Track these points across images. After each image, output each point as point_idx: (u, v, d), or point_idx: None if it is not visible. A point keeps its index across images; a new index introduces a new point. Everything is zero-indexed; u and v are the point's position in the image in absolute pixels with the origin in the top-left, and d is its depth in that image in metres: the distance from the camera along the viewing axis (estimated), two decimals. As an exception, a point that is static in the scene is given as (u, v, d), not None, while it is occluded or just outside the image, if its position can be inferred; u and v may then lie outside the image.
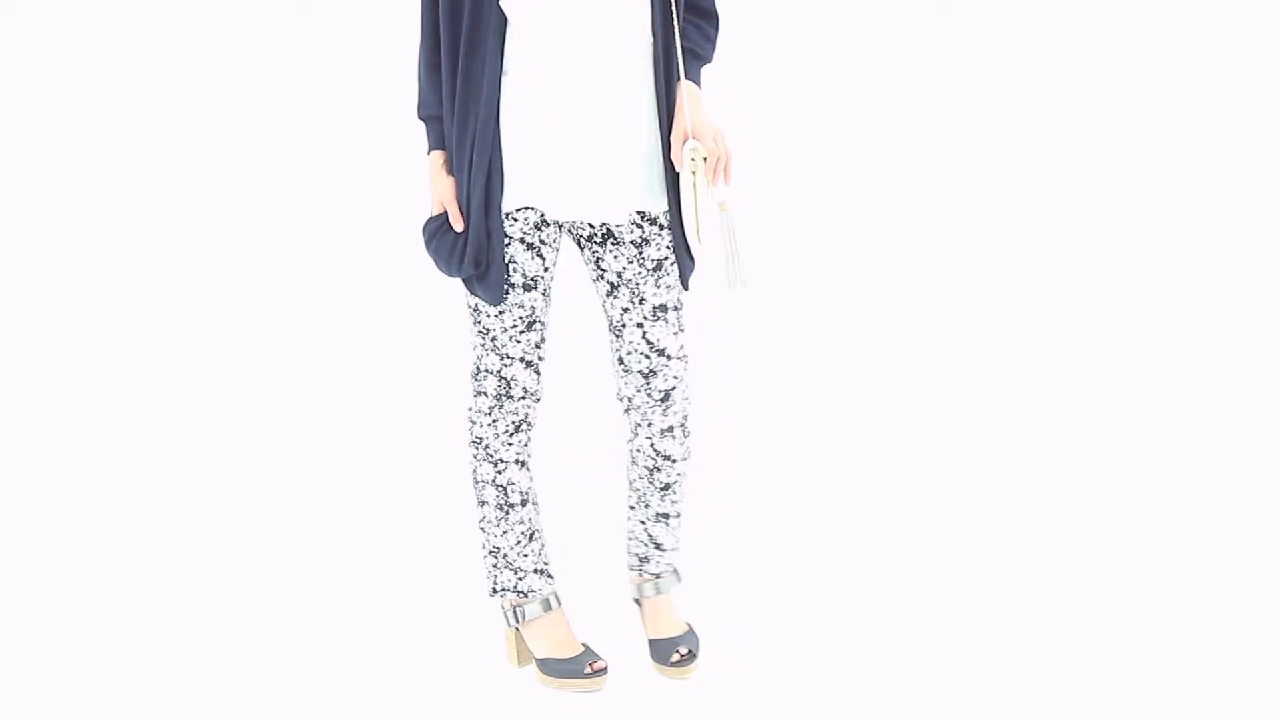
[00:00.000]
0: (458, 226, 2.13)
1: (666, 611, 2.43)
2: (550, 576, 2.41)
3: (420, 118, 2.20)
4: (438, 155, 2.17)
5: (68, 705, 2.88)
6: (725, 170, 2.08)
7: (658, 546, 2.42)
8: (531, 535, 2.37)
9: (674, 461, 2.28)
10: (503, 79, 2.08)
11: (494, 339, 2.20)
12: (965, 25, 3.66)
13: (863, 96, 3.69)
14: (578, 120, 2.06)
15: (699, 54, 2.14)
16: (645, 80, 2.10)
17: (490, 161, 2.07)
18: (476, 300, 2.18)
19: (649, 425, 2.25)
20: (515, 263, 2.14)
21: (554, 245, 2.18)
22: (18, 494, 3.54)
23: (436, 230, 2.18)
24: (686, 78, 2.10)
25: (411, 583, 3.36)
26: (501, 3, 2.05)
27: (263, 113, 3.68)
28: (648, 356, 2.19)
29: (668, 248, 2.15)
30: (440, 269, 2.18)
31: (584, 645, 2.38)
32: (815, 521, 3.51)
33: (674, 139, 2.08)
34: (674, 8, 2.08)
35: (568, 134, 2.07)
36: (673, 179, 2.12)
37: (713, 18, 2.19)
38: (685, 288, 2.19)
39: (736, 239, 2.08)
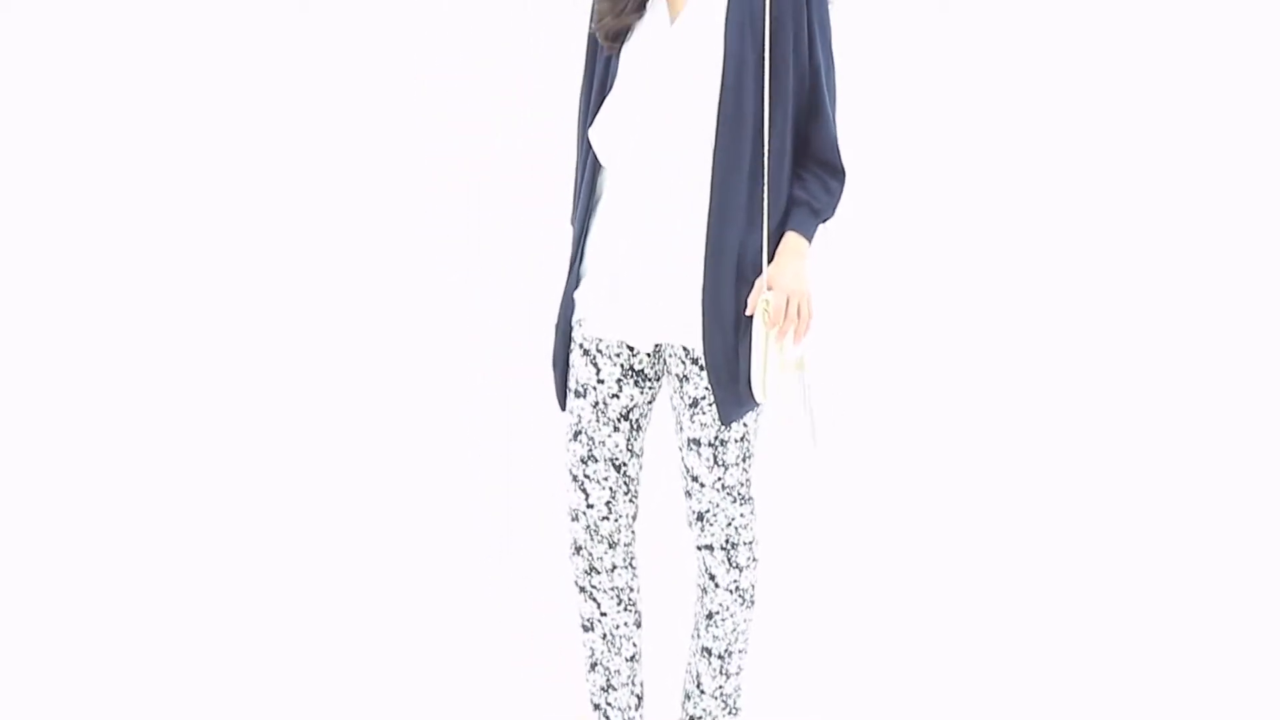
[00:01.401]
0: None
1: None
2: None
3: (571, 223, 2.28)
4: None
5: (68, 705, 2.88)
6: (796, 333, 2.05)
7: (699, 685, 2.28)
8: (598, 667, 2.28)
9: (718, 586, 2.21)
10: (599, 201, 2.15)
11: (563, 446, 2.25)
12: (965, 25, 3.65)
13: (862, 96, 3.68)
14: (634, 248, 2.09)
15: (813, 207, 2.09)
16: (703, 224, 2.08)
17: (575, 271, 2.17)
18: None
19: (695, 540, 2.23)
20: (572, 367, 2.18)
21: (613, 360, 2.16)
22: (19, 494, 3.54)
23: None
24: (795, 229, 2.07)
25: (411, 583, 3.36)
26: (590, 132, 2.12)
27: (263, 113, 3.67)
28: (684, 479, 2.20)
29: (705, 388, 2.11)
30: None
31: None
32: (814, 524, 3.50)
33: (756, 284, 2.06)
34: (764, 156, 2.05)
35: (625, 259, 2.10)
36: (746, 324, 2.10)
37: (838, 172, 2.13)
38: (725, 424, 2.13)
39: (811, 400, 2.06)
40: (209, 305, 3.65)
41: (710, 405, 2.12)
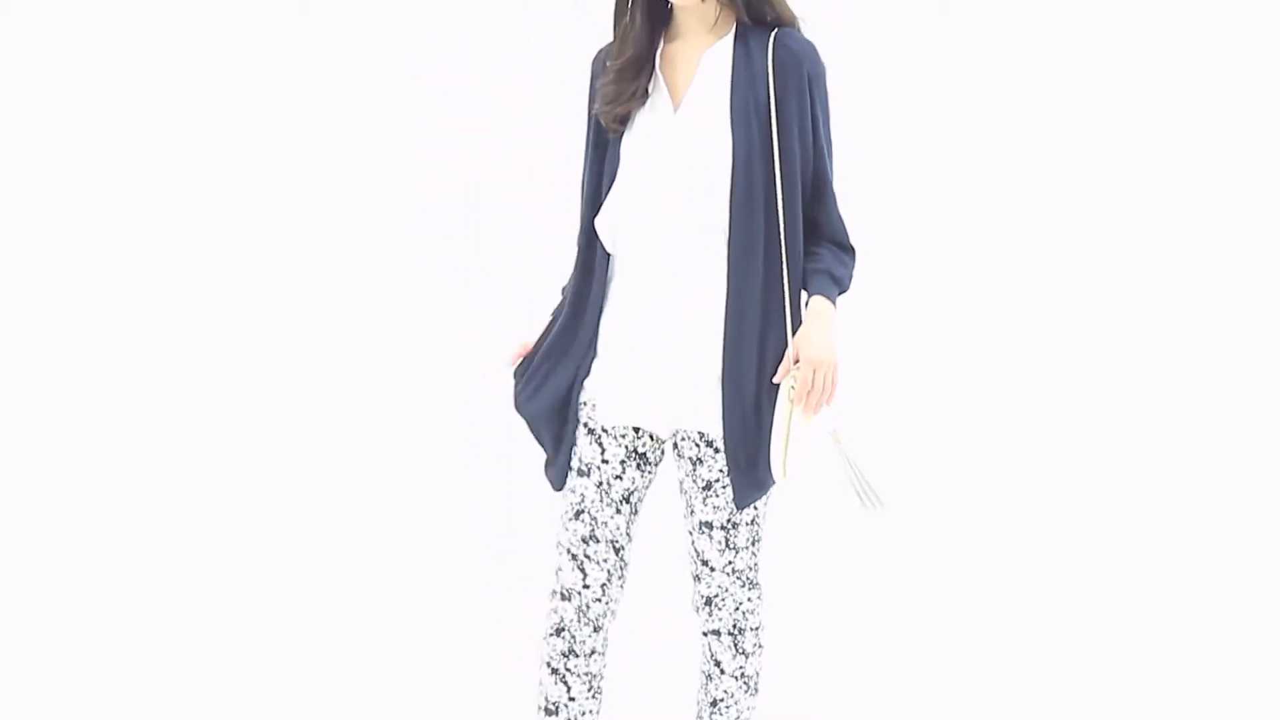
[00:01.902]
0: (514, 364, 2.19)
1: None
2: None
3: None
4: (549, 322, 2.23)
5: (68, 705, 2.86)
6: (818, 405, 2.04)
7: None
8: None
9: (724, 672, 2.18)
10: (610, 284, 2.13)
11: (559, 533, 2.19)
12: (965, 25, 3.64)
13: (862, 97, 3.67)
14: (651, 334, 2.07)
15: (834, 274, 2.08)
16: (720, 308, 2.08)
17: (586, 355, 2.14)
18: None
19: (702, 625, 2.21)
20: (575, 445, 2.14)
21: (619, 440, 2.13)
22: (21, 494, 3.53)
23: (525, 365, 2.22)
24: (819, 293, 2.07)
25: (410, 582, 3.35)
26: (597, 221, 2.11)
27: (263, 113, 3.66)
28: (693, 562, 2.18)
29: (720, 471, 2.10)
30: (516, 398, 2.21)
31: None
32: (815, 527, 3.50)
33: (786, 354, 2.05)
34: (781, 236, 2.05)
35: (642, 345, 2.09)
36: (767, 406, 2.08)
37: (849, 249, 2.14)
38: (740, 508, 2.12)
39: (857, 468, 2.03)
40: (209, 305, 3.64)
41: (725, 488, 2.10)
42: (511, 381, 2.22)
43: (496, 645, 3.18)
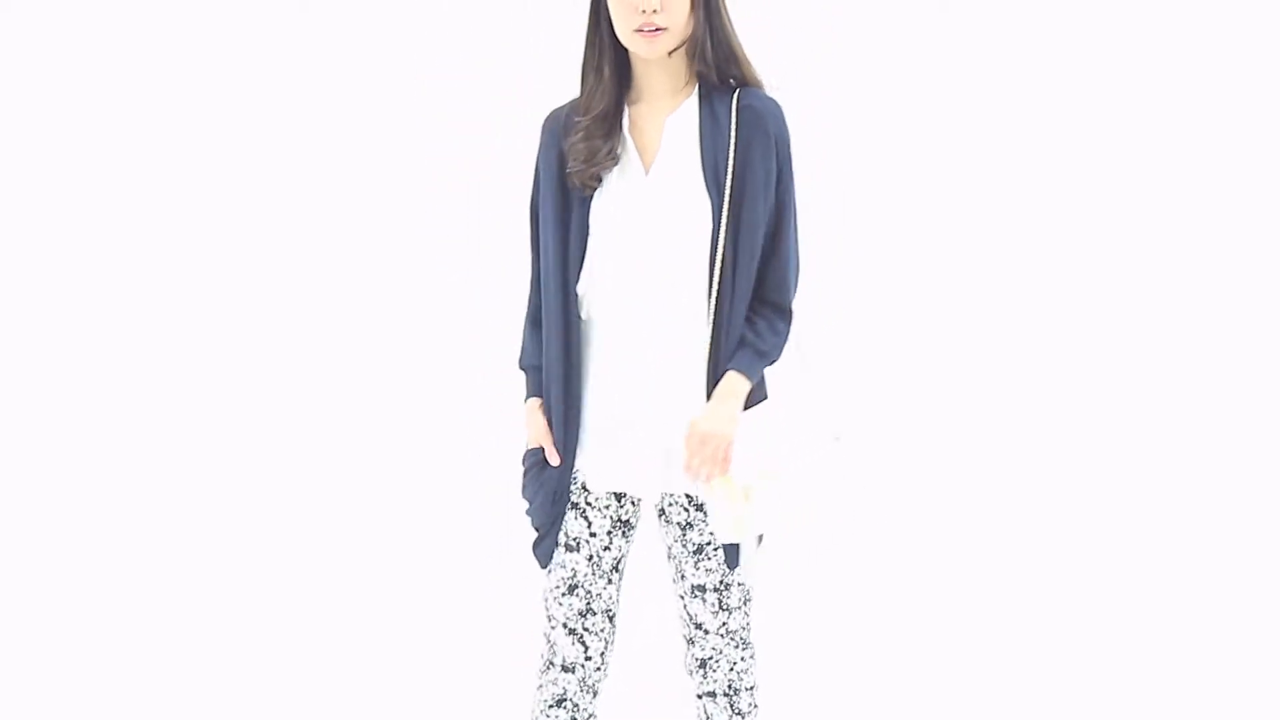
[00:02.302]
0: (554, 461, 2.13)
1: None
2: None
3: (521, 367, 2.23)
4: (534, 402, 2.18)
5: (67, 705, 2.88)
6: (708, 474, 2.03)
7: None
8: None
9: None
10: (589, 354, 2.13)
11: (545, 599, 2.20)
12: (965, 25, 3.64)
13: (860, 97, 3.68)
14: (635, 400, 2.08)
15: (759, 349, 2.08)
16: (700, 368, 2.08)
17: (574, 432, 2.12)
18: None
19: (696, 688, 2.23)
20: (562, 522, 2.16)
21: (604, 512, 2.16)
22: (19, 495, 3.54)
23: (531, 466, 2.20)
24: (737, 369, 2.06)
25: (410, 583, 3.36)
26: (579, 287, 2.09)
27: (263, 113, 3.67)
28: (686, 626, 2.20)
29: (711, 533, 2.12)
30: (530, 507, 2.19)
31: None
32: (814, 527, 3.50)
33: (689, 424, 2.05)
34: (722, 300, 2.05)
35: (626, 412, 2.09)
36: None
37: (785, 314, 2.14)
38: (731, 569, 2.15)
39: (751, 531, 2.04)
40: (208, 305, 3.65)
41: (716, 550, 2.13)
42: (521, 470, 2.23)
43: (494, 646, 3.19)
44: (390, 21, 3.63)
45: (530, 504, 2.19)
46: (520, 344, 2.25)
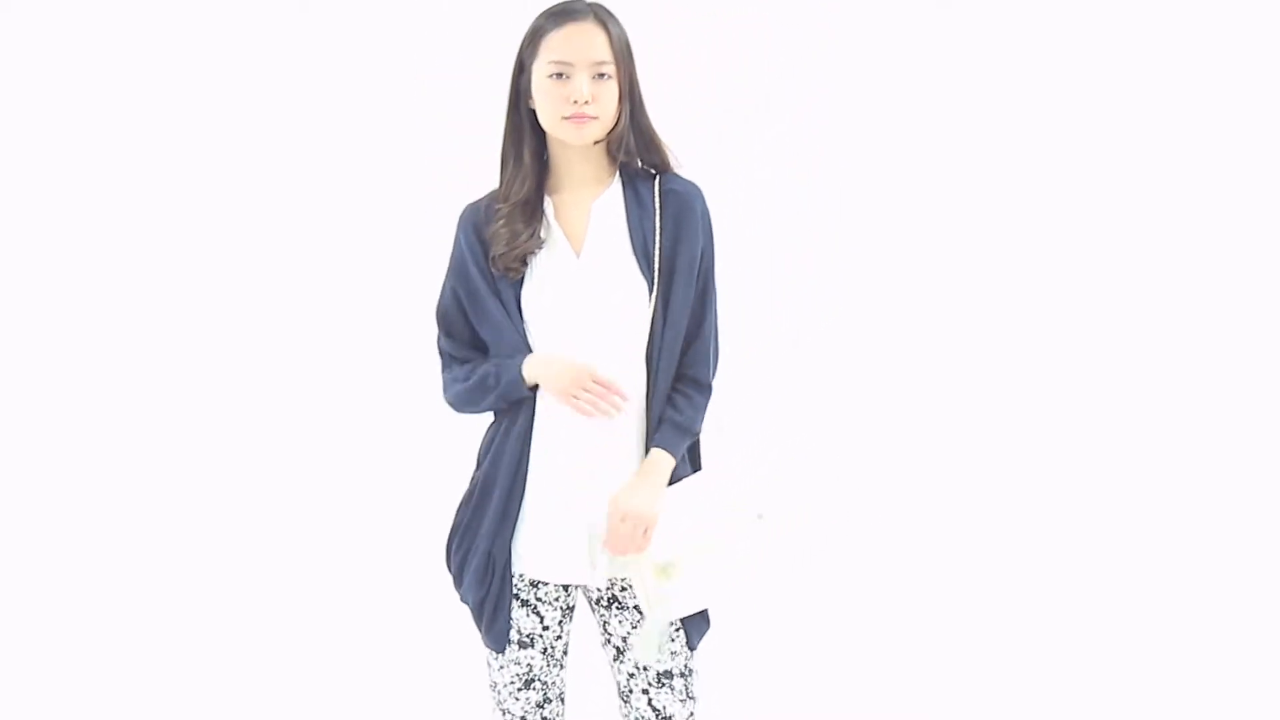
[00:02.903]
0: (617, 406, 2.05)
1: None
2: None
3: (498, 405, 2.13)
4: (531, 361, 2.08)
5: (68, 705, 2.88)
6: (624, 549, 2.03)
7: None
8: None
9: None
10: (531, 443, 2.10)
11: (497, 691, 2.18)
12: (965, 25, 3.64)
13: (860, 97, 3.67)
14: (575, 487, 2.07)
15: (678, 423, 2.09)
16: (639, 449, 2.09)
17: (508, 521, 2.10)
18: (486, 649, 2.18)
19: None
20: (511, 619, 2.13)
21: (554, 604, 2.15)
22: (18, 495, 3.54)
23: (461, 525, 2.15)
24: (661, 446, 2.07)
25: (409, 584, 3.36)
26: (525, 370, 2.07)
27: (263, 114, 3.67)
28: None
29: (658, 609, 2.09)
30: (459, 583, 2.16)
31: None
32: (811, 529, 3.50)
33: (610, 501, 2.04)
34: (652, 380, 2.07)
35: (571, 500, 2.07)
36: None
37: (704, 388, 2.14)
38: (693, 649, 2.13)
39: (663, 610, 2.03)
40: (208, 307, 3.65)
41: (679, 631, 2.11)
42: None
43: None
44: (390, 22, 3.63)
45: (458, 578, 2.15)
46: (472, 393, 2.14)
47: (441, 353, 2.23)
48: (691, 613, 2.09)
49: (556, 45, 2.01)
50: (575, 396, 2.03)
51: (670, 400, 2.10)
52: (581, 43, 2.00)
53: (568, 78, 2.01)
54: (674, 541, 2.04)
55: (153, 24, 3.58)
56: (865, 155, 3.64)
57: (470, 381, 2.13)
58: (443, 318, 2.20)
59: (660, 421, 2.08)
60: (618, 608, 2.14)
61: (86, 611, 3.58)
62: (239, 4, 3.60)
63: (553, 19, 2.03)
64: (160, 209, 3.64)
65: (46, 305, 3.62)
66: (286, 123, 3.63)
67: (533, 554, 2.10)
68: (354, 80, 3.62)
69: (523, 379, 2.08)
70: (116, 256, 3.63)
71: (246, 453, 3.65)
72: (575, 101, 2.00)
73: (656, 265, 2.06)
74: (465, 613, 3.22)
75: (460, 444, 3.65)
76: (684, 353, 2.12)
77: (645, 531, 2.02)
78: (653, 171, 2.14)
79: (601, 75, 2.01)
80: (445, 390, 2.20)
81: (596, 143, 2.08)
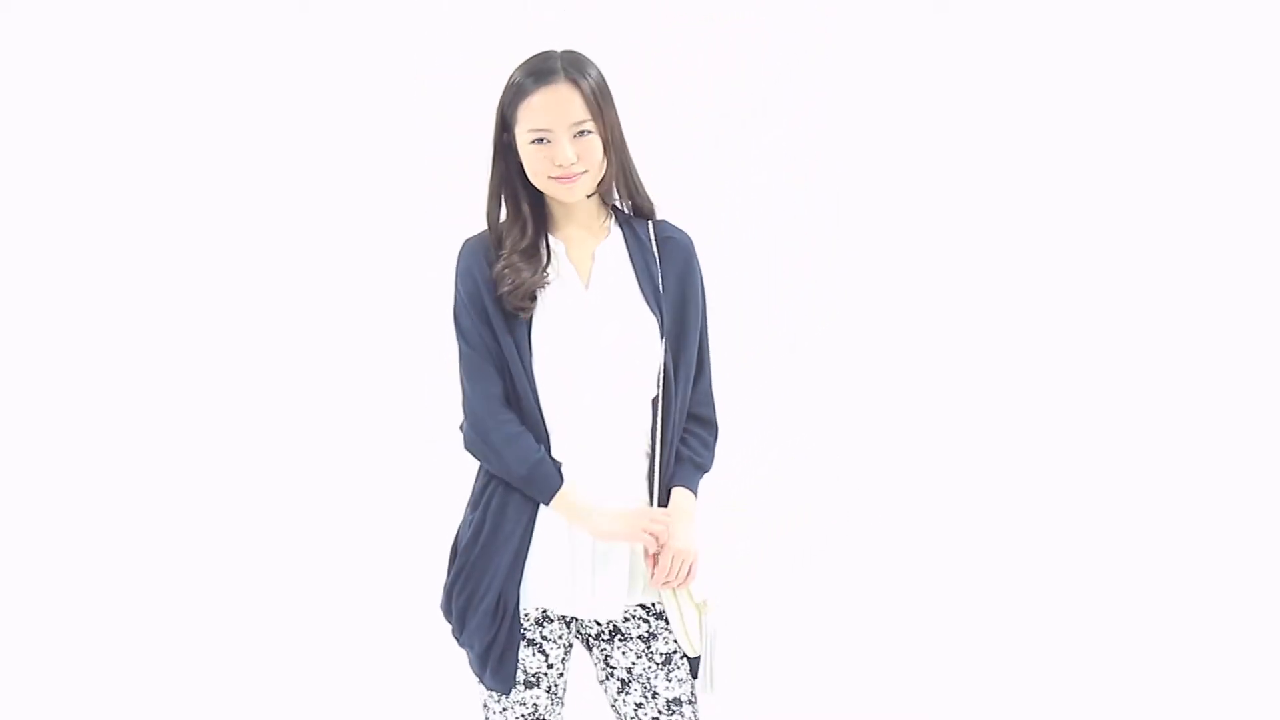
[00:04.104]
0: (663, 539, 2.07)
1: None
2: None
3: (524, 474, 2.08)
4: (580, 505, 2.07)
5: (67, 705, 2.87)
6: (675, 585, 2.08)
7: None
8: None
9: None
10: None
11: None
12: (964, 25, 3.64)
13: (857, 101, 3.68)
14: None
15: (696, 463, 2.17)
16: (645, 482, 2.13)
17: (517, 560, 2.09)
18: (485, 691, 2.16)
19: None
20: (519, 659, 2.12)
21: (558, 642, 2.15)
22: (17, 496, 3.53)
23: (465, 566, 2.13)
24: (685, 486, 2.14)
25: (408, 586, 3.35)
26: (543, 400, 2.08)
27: (263, 114, 3.65)
28: None
29: (675, 641, 2.13)
30: (460, 628, 2.13)
31: None
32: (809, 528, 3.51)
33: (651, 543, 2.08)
34: (660, 419, 2.11)
35: (569, 534, 2.09)
36: None
37: (712, 426, 2.22)
38: (695, 677, 2.15)
39: (714, 644, 2.10)
40: (208, 308, 3.64)
41: (683, 658, 2.13)
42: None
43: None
44: (390, 22, 3.62)
45: (461, 623, 2.12)
46: (502, 454, 2.10)
47: (462, 356, 2.18)
48: (727, 646, 2.14)
49: (534, 113, 2.02)
50: (648, 532, 2.06)
51: (685, 441, 2.17)
52: (557, 108, 2.01)
53: (549, 142, 2.02)
54: (709, 581, 2.12)
55: (153, 24, 3.57)
56: (862, 159, 3.64)
57: (505, 451, 2.09)
58: (464, 334, 2.17)
59: (678, 460, 2.15)
60: (620, 639, 2.15)
61: (86, 612, 3.57)
62: (239, 4, 3.59)
63: (529, 78, 2.02)
64: (160, 209, 3.63)
65: (47, 305, 3.61)
66: (286, 123, 3.62)
67: (541, 588, 2.10)
68: (354, 80, 3.61)
69: (554, 495, 2.07)
70: (116, 257, 3.62)
71: (246, 453, 3.64)
72: (560, 165, 2.02)
73: (665, 301, 2.12)
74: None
75: (459, 443, 3.67)
76: (692, 392, 2.18)
77: (690, 569, 2.08)
78: (641, 215, 2.19)
79: (582, 133, 2.03)
80: (474, 423, 2.15)
81: (589, 195, 2.11)
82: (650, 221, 2.19)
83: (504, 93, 2.07)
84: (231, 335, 3.64)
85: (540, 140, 2.03)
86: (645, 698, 2.13)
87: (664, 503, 2.14)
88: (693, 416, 2.19)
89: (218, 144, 3.61)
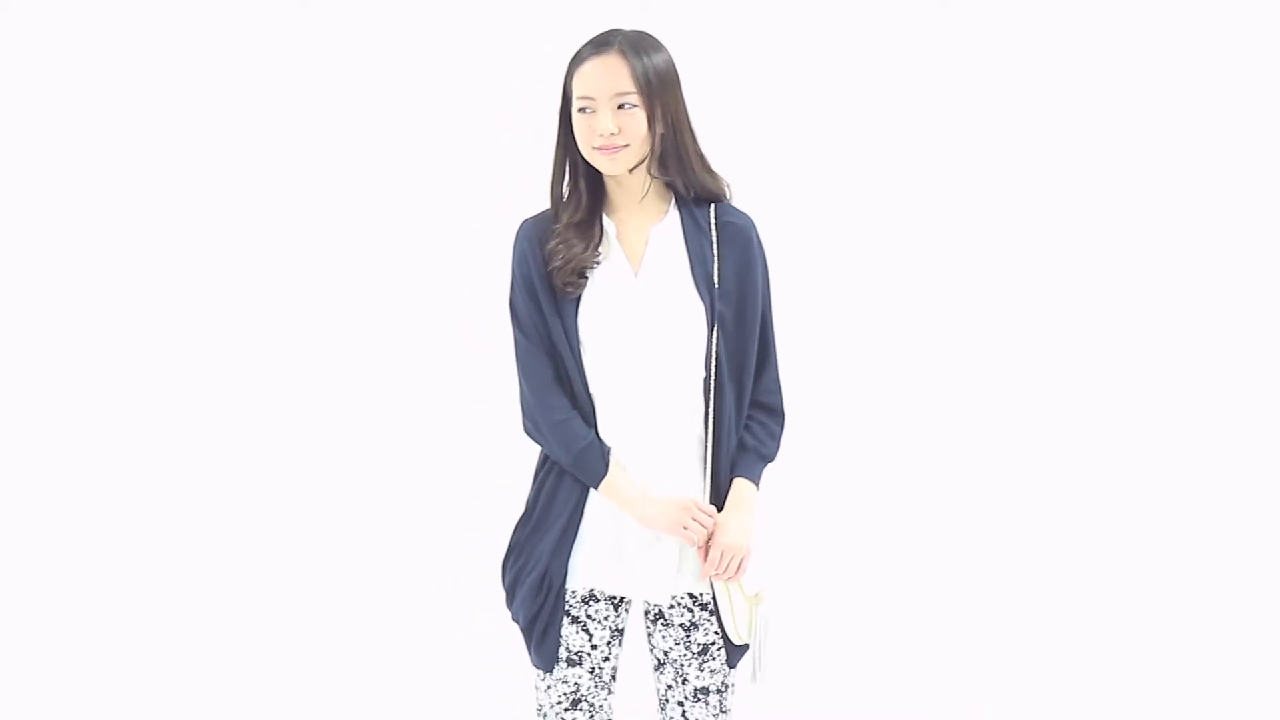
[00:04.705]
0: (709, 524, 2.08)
1: None
2: None
3: (571, 460, 2.11)
4: (628, 493, 2.09)
5: (67, 705, 2.87)
6: (726, 578, 2.10)
7: None
8: None
9: None
10: None
11: (544, 715, 2.20)
12: (965, 25, 3.64)
13: (858, 98, 3.68)
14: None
15: (761, 453, 2.17)
16: (698, 467, 2.13)
17: (566, 537, 2.13)
18: (534, 671, 2.20)
19: None
20: (561, 636, 2.16)
21: (604, 623, 2.18)
22: (17, 496, 3.54)
23: (520, 541, 2.17)
24: (745, 476, 2.14)
25: (408, 588, 3.36)
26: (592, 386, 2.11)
27: (263, 114, 3.66)
28: None
29: (715, 633, 2.16)
30: (512, 599, 2.18)
31: None
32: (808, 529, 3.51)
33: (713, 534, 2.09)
34: (713, 405, 2.11)
35: (615, 515, 2.11)
36: None
37: (778, 415, 2.21)
38: (732, 667, 2.19)
39: (764, 635, 2.13)
40: (207, 309, 3.65)
41: (720, 650, 2.16)
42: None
43: (493, 646, 3.18)
44: (391, 22, 3.63)
45: (511, 595, 2.18)
46: (554, 441, 2.12)
47: (517, 346, 2.19)
48: (779, 637, 2.17)
49: (581, 80, 2.06)
50: (685, 527, 2.07)
51: (749, 429, 2.17)
52: (603, 76, 2.04)
53: (593, 111, 2.05)
54: (763, 572, 2.13)
55: (153, 24, 3.57)
56: (859, 162, 3.64)
57: (552, 436, 2.12)
58: (516, 317, 2.19)
59: (741, 449, 2.15)
60: (663, 624, 2.18)
61: (86, 612, 3.58)
62: (239, 4, 3.60)
63: (587, 47, 2.08)
64: (160, 209, 3.63)
65: (47, 305, 3.61)
66: (286, 123, 3.62)
67: (590, 568, 2.13)
68: (354, 80, 3.61)
69: (600, 481, 2.09)
70: (116, 258, 3.61)
71: (245, 453, 3.64)
72: (600, 134, 2.04)
73: (718, 288, 2.10)
74: (467, 620, 3.22)
75: (461, 445, 3.67)
76: (757, 381, 2.18)
77: (741, 563, 2.09)
78: (704, 198, 2.17)
79: (624, 105, 2.04)
80: (526, 409, 2.18)
81: (633, 170, 2.10)
82: (712, 205, 2.17)
83: (569, 64, 2.10)
84: (231, 335, 3.63)
85: (585, 109, 2.06)
86: (675, 682, 2.18)
87: (725, 491, 2.13)
88: (758, 405, 2.19)
89: (218, 144, 3.61)
